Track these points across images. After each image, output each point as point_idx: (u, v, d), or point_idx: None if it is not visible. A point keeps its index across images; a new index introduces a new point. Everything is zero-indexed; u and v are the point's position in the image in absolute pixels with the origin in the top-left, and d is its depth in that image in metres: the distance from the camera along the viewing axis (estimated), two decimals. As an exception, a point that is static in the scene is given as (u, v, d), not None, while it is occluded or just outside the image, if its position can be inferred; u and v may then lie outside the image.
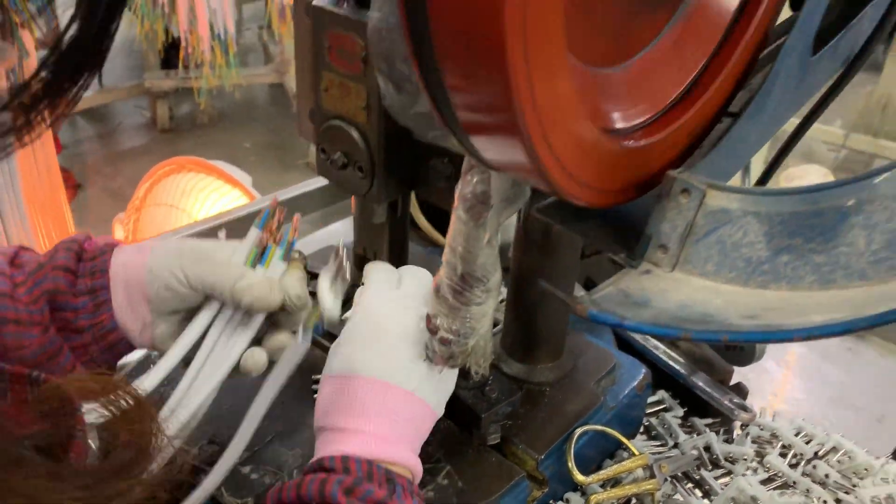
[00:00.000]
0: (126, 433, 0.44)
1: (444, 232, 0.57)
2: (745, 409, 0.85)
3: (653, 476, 0.75)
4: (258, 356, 0.62)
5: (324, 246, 0.95)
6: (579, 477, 0.71)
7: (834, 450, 0.83)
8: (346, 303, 0.68)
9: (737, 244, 0.45)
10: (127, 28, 3.59)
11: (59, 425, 0.42)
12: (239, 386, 0.64)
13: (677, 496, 0.77)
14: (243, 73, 3.56)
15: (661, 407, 0.89)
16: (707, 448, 0.82)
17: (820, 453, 0.82)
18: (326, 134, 0.66)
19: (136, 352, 0.70)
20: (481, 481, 0.67)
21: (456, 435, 0.71)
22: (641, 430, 0.86)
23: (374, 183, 0.66)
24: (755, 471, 0.81)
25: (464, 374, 0.67)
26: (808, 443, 0.83)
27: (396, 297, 0.62)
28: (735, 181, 0.76)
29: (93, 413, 0.44)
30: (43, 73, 0.53)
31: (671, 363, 0.90)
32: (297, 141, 3.68)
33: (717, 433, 0.84)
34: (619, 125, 0.46)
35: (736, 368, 0.93)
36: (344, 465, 0.52)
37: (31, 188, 1.50)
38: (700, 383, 0.88)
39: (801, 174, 1.92)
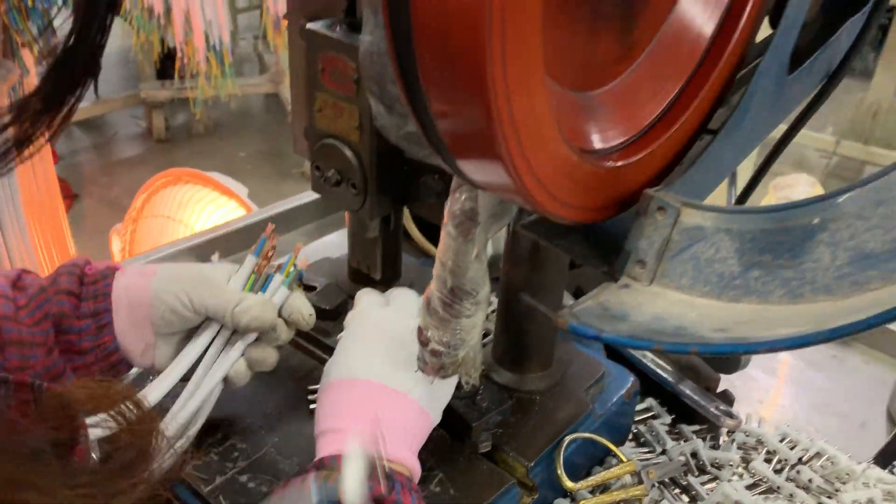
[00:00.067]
0: (128, 436, 0.46)
1: (436, 243, 0.60)
2: (731, 415, 0.87)
3: (640, 482, 0.77)
4: (244, 370, 0.68)
5: (320, 258, 0.97)
6: (568, 483, 0.73)
7: (818, 455, 0.85)
8: (337, 316, 0.71)
9: (710, 260, 0.47)
10: (123, 39, 3.62)
11: (63, 431, 0.44)
12: (236, 396, 0.66)
13: (664, 502, 0.79)
14: (239, 83, 3.58)
15: (650, 414, 0.91)
16: (694, 454, 0.84)
17: (804, 459, 0.84)
18: (320, 152, 0.68)
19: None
20: (472, 488, 0.69)
21: (448, 443, 0.73)
22: (630, 437, 0.88)
23: (367, 199, 0.68)
24: (741, 476, 0.83)
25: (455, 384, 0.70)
26: (792, 448, 0.85)
27: (387, 311, 0.66)
28: (721, 191, 0.78)
29: (98, 427, 0.46)
30: (43, 89, 0.55)
31: (659, 371, 0.92)
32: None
33: (704, 440, 0.86)
34: (598, 146, 0.48)
35: (723, 376, 0.95)
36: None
37: (30, 199, 1.52)
38: (687, 391, 0.90)
39: (789, 183, 1.95)
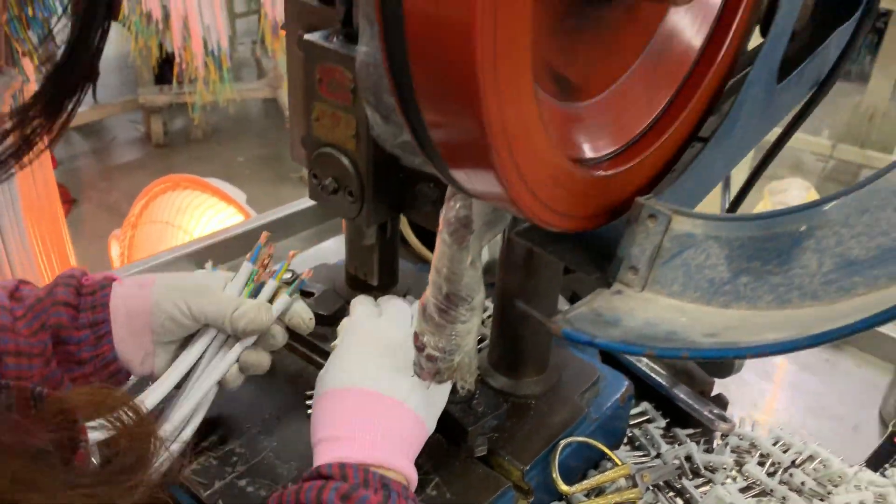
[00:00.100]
0: (126, 440, 0.47)
1: (434, 250, 0.61)
2: (724, 419, 0.88)
3: (635, 485, 0.78)
4: (237, 373, 0.69)
5: (317, 264, 0.98)
6: (563, 487, 0.74)
7: (811, 458, 0.85)
8: (335, 321, 0.72)
9: (700, 266, 0.48)
10: (121, 44, 3.63)
11: (63, 435, 0.45)
12: (234, 401, 0.67)
13: (658, 504, 0.80)
14: (237, 88, 3.60)
15: (645, 418, 0.92)
16: (688, 458, 0.85)
17: (797, 462, 0.85)
18: (318, 160, 0.69)
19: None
20: (469, 492, 0.70)
21: (444, 447, 0.73)
22: (625, 440, 0.89)
23: (364, 207, 0.69)
24: (734, 479, 0.84)
25: (451, 389, 0.70)
26: (785, 451, 0.86)
27: (380, 321, 0.67)
28: (716, 195, 0.79)
29: (97, 431, 0.47)
30: (43, 95, 0.56)
31: (654, 375, 0.93)
32: (291, 155, 3.71)
33: (698, 443, 0.87)
34: (589, 155, 0.49)
35: (717, 380, 0.96)
36: (342, 473, 0.55)
37: (30, 205, 1.53)
38: (681, 395, 0.91)
39: (783, 187, 1.96)
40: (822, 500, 0.79)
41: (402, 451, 0.61)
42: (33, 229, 1.54)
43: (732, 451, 0.86)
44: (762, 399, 0.98)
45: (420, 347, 0.63)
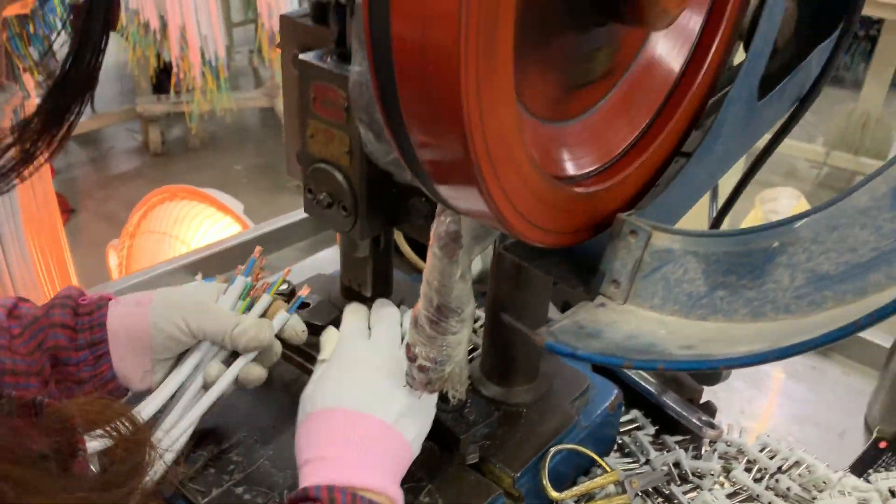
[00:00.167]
0: (122, 450, 0.49)
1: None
2: (712, 426, 0.90)
3: (624, 491, 0.79)
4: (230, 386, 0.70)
5: (313, 274, 1.00)
6: (553, 493, 0.76)
7: (797, 464, 0.87)
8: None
9: (679, 280, 0.50)
10: (119, 54, 3.65)
11: (62, 444, 0.46)
12: (231, 410, 0.69)
13: (647, 510, 0.82)
14: (234, 97, 3.62)
15: (634, 426, 0.93)
16: (676, 464, 0.87)
17: (783, 468, 0.87)
18: (312, 176, 0.71)
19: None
20: (461, 499, 0.71)
21: (437, 455, 0.75)
22: (615, 447, 0.91)
23: (357, 221, 0.71)
24: (722, 485, 0.85)
25: (443, 398, 0.72)
26: (772, 458, 0.88)
27: (370, 343, 0.69)
28: (703, 203, 0.81)
29: (95, 441, 0.48)
30: (43, 109, 0.57)
31: (643, 383, 0.95)
32: (288, 164, 3.73)
33: (687, 450, 0.89)
34: (571, 173, 0.51)
35: (706, 388, 0.97)
36: (330, 496, 0.55)
37: (30, 216, 1.54)
38: (670, 403, 0.93)
39: (774, 196, 1.99)
40: (806, 505, 0.81)
41: (389, 474, 0.62)
42: (33, 240, 1.56)
43: (720, 458, 0.88)
44: (750, 406, 0.99)
45: (412, 358, 0.64)
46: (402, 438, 0.64)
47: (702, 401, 0.97)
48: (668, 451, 0.89)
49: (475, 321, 0.95)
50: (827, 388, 1.03)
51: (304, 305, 0.87)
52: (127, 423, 0.50)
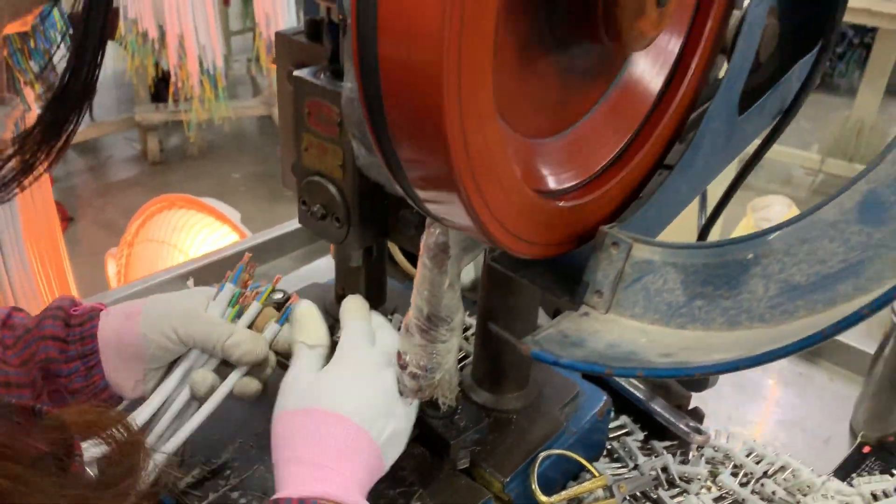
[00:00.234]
0: (117, 454, 0.50)
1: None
2: (700, 432, 0.92)
3: (612, 496, 0.81)
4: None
5: (308, 283, 1.01)
6: (542, 498, 0.77)
7: (782, 469, 0.89)
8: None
9: (659, 290, 0.52)
10: (118, 63, 3.67)
11: (60, 447, 0.47)
12: (228, 416, 0.71)
13: (635, 514, 0.83)
14: (232, 106, 3.64)
15: (624, 431, 0.95)
16: (664, 469, 0.88)
17: (769, 472, 0.89)
18: (307, 188, 0.73)
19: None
20: (451, 503, 0.73)
21: (428, 460, 0.77)
22: (605, 453, 0.92)
23: (350, 232, 0.72)
24: (709, 489, 0.87)
25: (433, 405, 0.74)
26: (758, 463, 0.89)
27: (373, 351, 0.69)
28: (693, 213, 0.83)
29: (92, 449, 0.50)
30: (43, 120, 0.57)
31: (632, 390, 0.97)
32: (286, 172, 3.75)
33: (675, 455, 0.90)
34: (554, 188, 0.53)
35: (694, 394, 0.99)
36: None
37: (29, 223, 1.56)
38: (659, 409, 0.94)
39: (765, 204, 2.01)
40: (791, 509, 0.83)
41: (363, 486, 0.62)
42: (32, 248, 1.57)
43: (707, 463, 0.90)
44: (738, 412, 1.01)
45: (403, 366, 0.66)
46: (381, 457, 0.64)
47: (690, 407, 0.98)
48: (656, 457, 0.90)
49: (467, 329, 0.97)
50: (813, 394, 1.04)
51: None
52: (122, 430, 0.51)
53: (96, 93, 0.58)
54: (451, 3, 0.39)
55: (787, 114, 0.78)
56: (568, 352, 0.50)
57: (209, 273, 1.16)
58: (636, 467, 0.89)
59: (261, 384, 0.72)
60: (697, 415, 0.97)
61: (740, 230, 2.12)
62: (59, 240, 1.73)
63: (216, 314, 0.70)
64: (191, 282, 0.77)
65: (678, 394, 0.98)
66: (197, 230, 1.79)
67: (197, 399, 0.70)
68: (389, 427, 0.65)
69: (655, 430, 0.94)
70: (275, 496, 0.58)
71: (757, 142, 0.78)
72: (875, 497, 0.84)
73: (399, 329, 0.69)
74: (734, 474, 0.88)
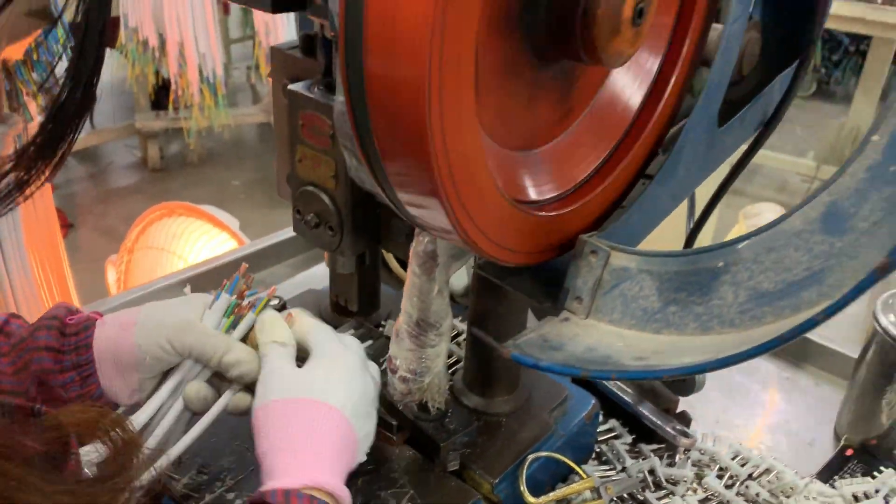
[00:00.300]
0: (112, 453, 0.51)
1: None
2: (686, 435, 0.94)
3: (599, 497, 0.83)
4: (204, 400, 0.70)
5: (305, 289, 1.04)
6: (530, 499, 0.79)
7: (767, 471, 0.91)
8: None
9: (635, 296, 0.54)
10: (118, 71, 3.70)
11: (56, 446, 0.48)
12: (225, 419, 0.73)
13: (622, 515, 0.85)
14: (232, 113, 3.66)
15: (612, 434, 0.97)
16: (651, 471, 0.90)
17: (754, 475, 0.91)
18: (301, 197, 0.76)
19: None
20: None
21: (419, 462, 0.79)
22: (593, 455, 0.94)
23: (343, 240, 0.75)
24: (694, 491, 0.89)
25: (423, 408, 0.76)
26: (743, 465, 0.91)
27: (347, 350, 0.69)
28: (682, 210, 0.85)
29: (91, 453, 0.52)
30: (44, 131, 0.58)
31: (621, 394, 0.99)
32: (285, 179, 3.77)
33: (662, 457, 0.92)
34: (535, 199, 0.55)
35: (682, 398, 1.01)
36: (286, 501, 0.56)
37: (31, 230, 1.58)
38: (646, 412, 0.96)
39: (756, 211, 2.04)
40: (774, 510, 0.85)
41: (344, 479, 0.62)
42: (34, 255, 1.59)
43: (693, 465, 0.92)
44: (725, 415, 1.03)
45: (393, 370, 0.68)
46: (356, 454, 0.65)
47: (678, 410, 1.00)
48: (643, 459, 0.92)
49: (459, 335, 0.99)
50: (798, 398, 1.07)
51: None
52: (119, 431, 0.52)
53: (97, 101, 0.60)
54: (434, 24, 0.41)
55: (769, 124, 0.81)
56: (548, 355, 0.52)
57: (207, 280, 1.18)
58: (624, 469, 0.91)
59: (251, 398, 0.72)
60: (685, 418, 0.99)
61: (732, 237, 2.14)
62: (60, 246, 1.75)
63: (211, 324, 0.70)
64: (187, 288, 0.78)
65: (666, 398, 1.00)
66: (196, 237, 1.81)
67: (190, 410, 0.70)
68: (367, 426, 0.66)
69: (643, 433, 0.96)
70: (270, 485, 0.58)
71: (744, 148, 0.80)
72: (856, 498, 0.86)
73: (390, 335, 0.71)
74: (720, 476, 0.90)
